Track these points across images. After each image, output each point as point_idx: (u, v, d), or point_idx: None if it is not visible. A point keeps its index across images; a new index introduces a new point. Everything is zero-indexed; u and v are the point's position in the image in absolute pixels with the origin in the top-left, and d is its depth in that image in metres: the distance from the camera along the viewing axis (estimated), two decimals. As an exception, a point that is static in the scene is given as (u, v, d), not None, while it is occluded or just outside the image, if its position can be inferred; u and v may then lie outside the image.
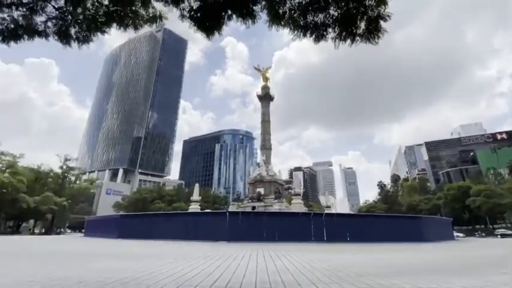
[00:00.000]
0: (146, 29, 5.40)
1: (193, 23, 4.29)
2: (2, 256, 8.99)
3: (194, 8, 4.21)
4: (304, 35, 4.23)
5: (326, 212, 23.54)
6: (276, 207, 25.12)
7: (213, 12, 4.17)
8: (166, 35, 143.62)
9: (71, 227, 71.95)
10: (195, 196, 28.94)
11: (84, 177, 77.69)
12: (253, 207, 27.23)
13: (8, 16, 4.31)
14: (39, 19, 4.44)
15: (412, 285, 3.72)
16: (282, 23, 4.13)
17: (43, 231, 58.44)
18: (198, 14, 4.24)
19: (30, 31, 4.47)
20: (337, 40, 4.17)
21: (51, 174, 58.78)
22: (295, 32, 4.19)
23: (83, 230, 40.45)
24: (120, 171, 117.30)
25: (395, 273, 5.07)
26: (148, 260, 6.94)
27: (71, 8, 4.39)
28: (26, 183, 47.12)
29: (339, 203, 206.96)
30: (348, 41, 4.18)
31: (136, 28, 4.72)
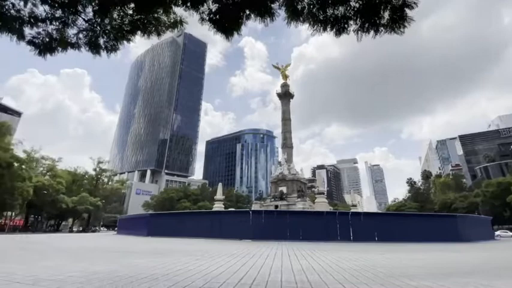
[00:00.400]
0: (168, 35, 5.59)
1: (212, 26, 4.37)
2: (46, 252, 9.81)
3: (213, 10, 4.28)
4: (324, 30, 4.12)
5: (352, 211, 22.84)
6: (300, 206, 24.83)
7: (232, 13, 4.22)
8: (187, 39, 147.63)
9: (105, 225, 76.62)
10: (219, 195, 29.48)
11: (116, 178, 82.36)
12: (276, 206, 27.15)
13: (43, 30, 4.68)
14: (71, 32, 4.79)
15: (448, 288, 3.49)
16: (301, 18, 4.07)
17: (80, 229, 62.92)
18: (217, 16, 4.31)
19: (64, 43, 4.82)
20: (359, 32, 4.02)
21: (86, 176, 63.15)
22: (315, 27, 4.10)
23: (116, 228, 42.96)
24: (148, 172, 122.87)
25: (427, 274, 4.79)
26: (177, 257, 7.20)
27: (99, 20, 4.68)
28: (64, 185, 51.05)
29: (365, 202, 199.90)
30: (371, 32, 4.01)
31: (159, 34, 4.92)
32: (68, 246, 12.60)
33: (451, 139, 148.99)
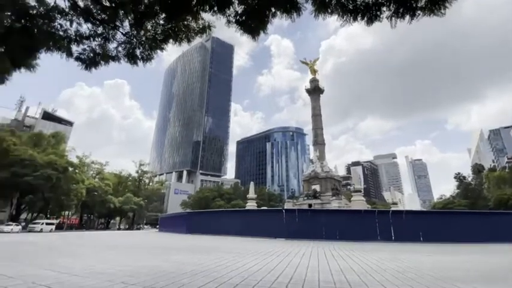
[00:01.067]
0: (197, 41, 5.82)
1: (239, 27, 4.43)
2: (100, 248, 10.82)
3: (239, 12, 4.34)
4: (355, 19, 3.93)
5: (393, 209, 21.49)
6: (335, 204, 24.04)
7: (257, 13, 4.23)
8: (214, 43, 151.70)
9: (147, 223, 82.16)
10: (251, 194, 29.86)
11: (156, 179, 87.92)
12: (310, 205, 26.65)
13: (87, 47, 5.18)
14: (111, 46, 5.23)
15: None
16: (329, 10, 3.92)
17: (127, 227, 68.29)
18: (243, 17, 4.36)
19: (106, 57, 5.28)
20: (393, 18, 3.75)
21: (130, 178, 68.41)
22: (344, 17, 3.93)
23: (157, 226, 45.84)
24: (184, 173, 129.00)
25: (481, 278, 4.33)
26: (214, 254, 7.45)
27: (135, 32, 5.03)
28: (111, 187, 55.95)
29: (407, 199, 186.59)
30: (407, 17, 3.72)
31: (189, 40, 5.13)
32: (118, 243, 13.77)
33: (505, 128, 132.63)
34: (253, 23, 4.37)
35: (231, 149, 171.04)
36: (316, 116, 33.43)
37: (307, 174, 31.18)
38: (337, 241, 14.05)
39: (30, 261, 6.03)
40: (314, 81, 35.04)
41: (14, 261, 6.07)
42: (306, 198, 28.76)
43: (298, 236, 15.55)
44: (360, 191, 26.66)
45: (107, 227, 64.99)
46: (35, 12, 4.65)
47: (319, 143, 31.93)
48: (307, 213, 19.25)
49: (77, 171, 45.08)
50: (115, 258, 6.88)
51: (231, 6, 4.29)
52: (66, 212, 52.15)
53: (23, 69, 5.08)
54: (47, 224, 35.07)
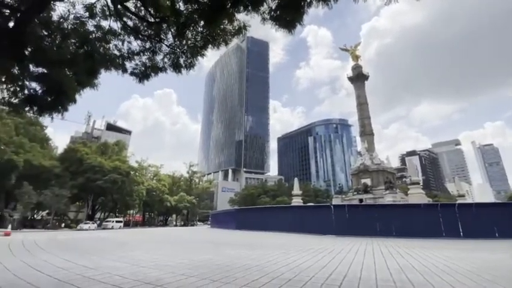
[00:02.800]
0: (233, 42, 5.97)
1: (274, 22, 4.41)
2: (162, 243, 11.91)
3: (273, 7, 4.31)
4: (401, -7, 3.57)
5: (459, 202, 19.09)
6: (389, 199, 22.24)
7: (292, 5, 4.15)
8: (249, 43, 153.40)
9: (200, 220, 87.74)
10: (296, 190, 29.50)
11: (204, 178, 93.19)
12: (361, 200, 25.18)
13: (139, 61, 5.74)
14: (158, 58, 5.70)
15: None
16: (370, -10, 3.64)
17: (182, 223, 73.95)
18: (278, 12, 4.32)
19: (155, 69, 5.78)
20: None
21: (182, 178, 73.93)
22: (390, -8, 3.60)
23: (209, 222, 48.54)
24: (230, 172, 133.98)
25: None
26: (264, 250, 7.60)
27: (178, 42, 5.39)
28: (167, 187, 61.25)
29: (477, 191, 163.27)
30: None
31: (226, 43, 5.31)
32: (176, 238, 15.00)
33: None
34: (288, 16, 4.30)
35: (272, 146, 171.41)
36: (362, 104, 31.33)
37: (355, 168, 29.51)
38: (393, 238, 13.05)
39: (106, 255, 6.95)
40: (357, 67, 32.88)
41: (93, 254, 7.06)
42: (355, 193, 27.27)
43: (348, 233, 14.87)
44: (418, 183, 24.15)
45: (165, 223, 71.20)
46: (93, 36, 5.32)
47: (366, 133, 29.89)
48: (358, 208, 18.27)
49: (137, 174, 50.44)
50: (175, 252, 7.52)
51: (264, 3, 4.28)
52: (131, 211, 58.64)
53: (88, 88, 5.86)
54: (116, 221, 40.18)
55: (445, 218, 13.49)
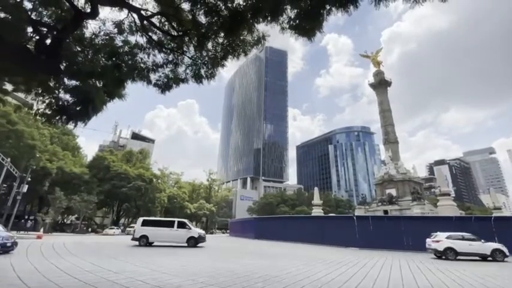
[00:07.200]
0: (252, 53, 6.07)
1: (293, 31, 4.42)
2: (184, 250, 12.05)
3: (292, 17, 4.33)
4: (427, -3, 3.43)
5: (495, 215, 17.59)
6: (417, 210, 20.93)
7: (312, 13, 4.14)
8: (268, 52, 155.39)
9: (218, 228, 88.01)
10: (316, 200, 28.75)
11: (223, 186, 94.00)
12: (386, 211, 23.96)
13: (162, 73, 6.01)
14: (181, 69, 5.92)
15: None
16: (392, -6, 3.54)
17: (201, 231, 74.79)
18: (297, 21, 4.32)
19: (176, 80, 6.02)
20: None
21: (202, 185, 75.10)
22: (414, -4, 3.47)
23: (228, 230, 48.55)
24: (248, 180, 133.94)
25: None
26: (285, 261, 7.42)
27: (199, 54, 5.58)
28: (187, 194, 62.46)
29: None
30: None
31: (246, 54, 5.41)
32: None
33: None
34: (308, 25, 4.30)
35: (291, 154, 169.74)
36: (385, 111, 30.27)
37: (379, 178, 28.31)
38: (422, 252, 12.22)
39: (129, 259, 7.14)
40: (379, 74, 32.02)
41: (117, 258, 7.28)
42: (380, 203, 26.05)
43: (373, 246, 14.17)
44: (449, 194, 22.56)
45: (185, 231, 72.43)
46: (122, 51, 5.66)
47: (390, 141, 28.70)
48: (383, 220, 17.43)
49: (159, 181, 52.00)
50: (196, 259, 7.57)
51: (284, 13, 4.32)
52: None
53: (116, 99, 6.19)
54: (139, 227, 41.30)
55: (480, 231, 12.44)
